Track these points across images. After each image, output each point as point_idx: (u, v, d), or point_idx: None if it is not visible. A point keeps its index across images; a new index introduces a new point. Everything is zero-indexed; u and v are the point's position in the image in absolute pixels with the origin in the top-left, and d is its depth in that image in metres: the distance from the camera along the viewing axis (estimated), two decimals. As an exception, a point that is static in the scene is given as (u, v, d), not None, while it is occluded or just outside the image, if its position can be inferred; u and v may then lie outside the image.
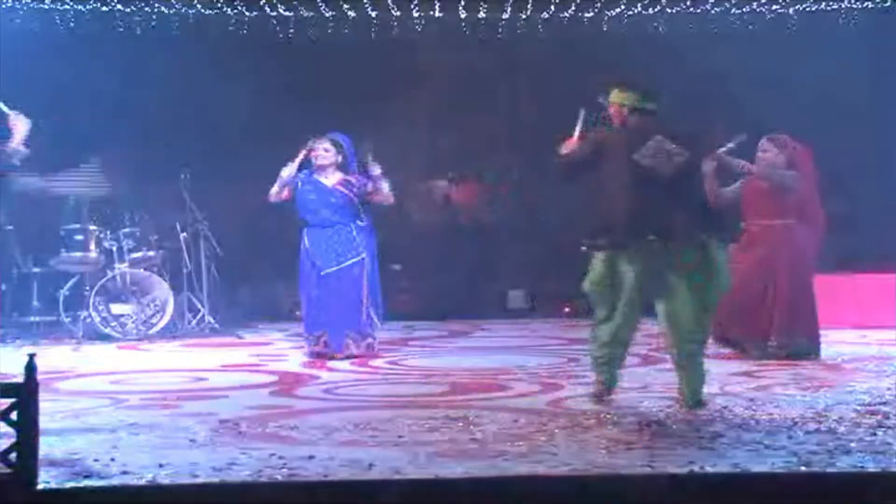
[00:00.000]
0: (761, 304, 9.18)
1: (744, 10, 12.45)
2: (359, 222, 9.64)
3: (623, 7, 12.26)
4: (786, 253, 9.18)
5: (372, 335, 9.76)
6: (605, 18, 12.59)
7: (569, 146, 7.11)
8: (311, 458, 5.43)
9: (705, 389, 7.01)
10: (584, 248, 6.96)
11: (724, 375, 8.23)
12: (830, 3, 12.36)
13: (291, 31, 12.62)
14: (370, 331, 9.72)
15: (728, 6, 12.31)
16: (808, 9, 12.41)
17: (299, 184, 9.63)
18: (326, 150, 9.65)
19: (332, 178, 9.65)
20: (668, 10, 12.38)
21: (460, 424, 6.35)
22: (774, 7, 12.39)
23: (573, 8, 12.25)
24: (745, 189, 9.33)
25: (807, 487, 4.93)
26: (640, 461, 5.32)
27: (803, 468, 5.13)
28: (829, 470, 5.11)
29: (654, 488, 4.88)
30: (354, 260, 9.57)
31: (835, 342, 10.12)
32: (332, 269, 9.53)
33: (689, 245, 6.72)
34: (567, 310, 12.92)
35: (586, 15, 12.48)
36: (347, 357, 9.45)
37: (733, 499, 4.76)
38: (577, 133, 7.15)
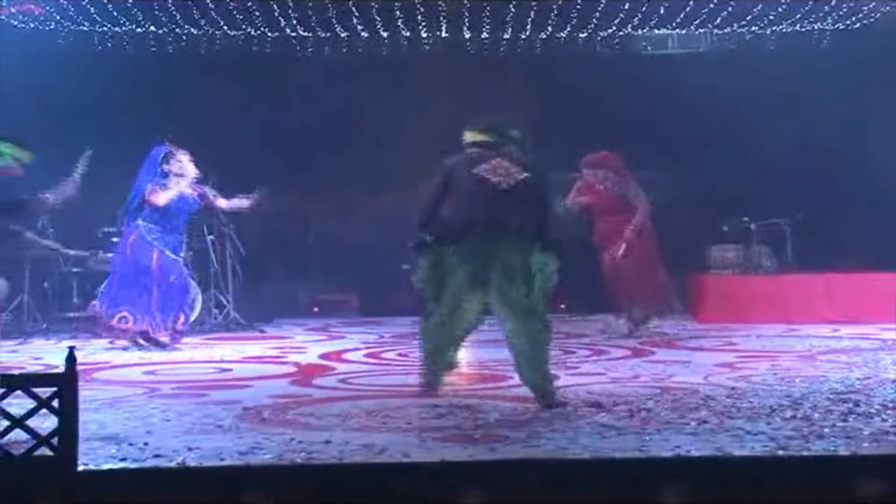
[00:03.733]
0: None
1: (725, 30, 12.43)
2: None
3: (614, 28, 12.25)
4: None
5: None
6: (598, 39, 12.59)
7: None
8: (327, 442, 5.43)
9: (690, 379, 7.00)
10: (409, 245, 7.16)
11: (707, 366, 8.24)
12: (819, 25, 12.32)
13: (310, 49, 12.63)
14: None
15: (710, 28, 12.28)
16: (784, 31, 12.38)
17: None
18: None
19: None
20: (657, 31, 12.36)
21: (465, 412, 6.35)
22: (753, 28, 12.36)
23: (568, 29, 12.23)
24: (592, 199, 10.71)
25: (784, 469, 4.93)
26: (630, 446, 5.32)
27: (780, 452, 5.13)
28: (805, 453, 5.11)
29: (643, 471, 4.88)
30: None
31: (809, 335, 10.13)
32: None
33: (515, 248, 6.80)
34: (562, 306, 12.91)
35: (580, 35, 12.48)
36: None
37: (717, 481, 4.75)
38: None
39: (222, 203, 10.42)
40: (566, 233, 8.46)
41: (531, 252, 6.85)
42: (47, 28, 11.65)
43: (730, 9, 11.77)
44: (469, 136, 7.26)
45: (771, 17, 12.01)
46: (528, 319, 6.81)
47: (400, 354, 9.50)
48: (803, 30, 12.42)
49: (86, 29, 11.80)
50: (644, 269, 10.49)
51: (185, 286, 10.18)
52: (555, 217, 7.32)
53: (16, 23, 11.43)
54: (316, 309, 13.55)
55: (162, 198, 9.89)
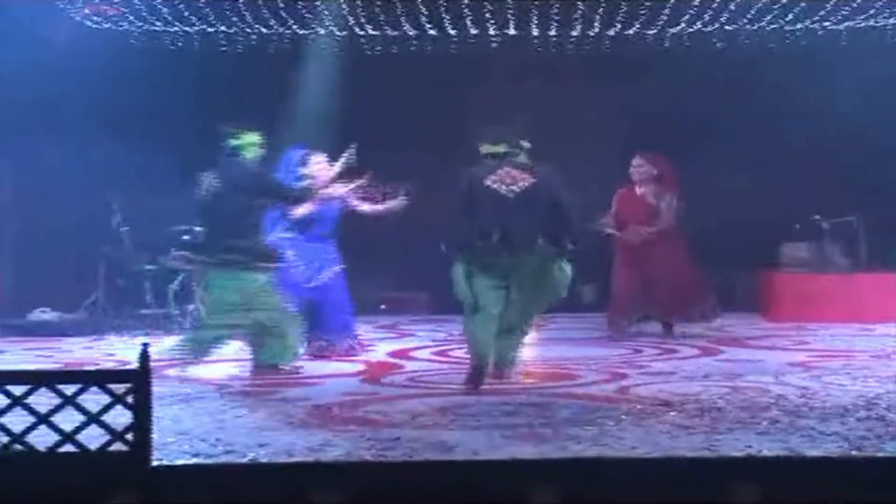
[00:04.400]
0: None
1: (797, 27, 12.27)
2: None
3: (684, 24, 12.15)
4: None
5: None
6: (668, 35, 12.49)
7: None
8: (397, 440, 5.45)
9: (761, 378, 6.94)
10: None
11: (780, 365, 8.16)
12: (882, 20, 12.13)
13: (378, 49, 12.65)
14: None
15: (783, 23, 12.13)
16: (858, 26, 12.19)
17: None
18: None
19: None
20: (727, 28, 12.24)
21: (535, 410, 6.34)
22: (826, 24, 12.20)
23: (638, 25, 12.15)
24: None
25: (858, 470, 4.86)
26: (700, 445, 5.29)
27: (854, 452, 5.07)
28: (879, 454, 5.05)
29: (713, 470, 4.84)
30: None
31: (883, 335, 9.99)
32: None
33: (530, 253, 7.45)
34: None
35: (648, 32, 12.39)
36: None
37: (788, 481, 4.70)
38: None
39: (366, 208, 9.48)
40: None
41: (545, 256, 7.50)
42: (120, 28, 11.80)
43: (802, 5, 11.63)
44: (483, 149, 7.85)
45: (844, 13, 11.83)
46: (527, 314, 7.73)
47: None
48: (877, 25, 12.22)
49: (158, 28, 11.93)
50: (671, 275, 10.38)
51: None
52: (570, 217, 7.68)
53: (90, 23, 11.60)
54: (384, 307, 13.59)
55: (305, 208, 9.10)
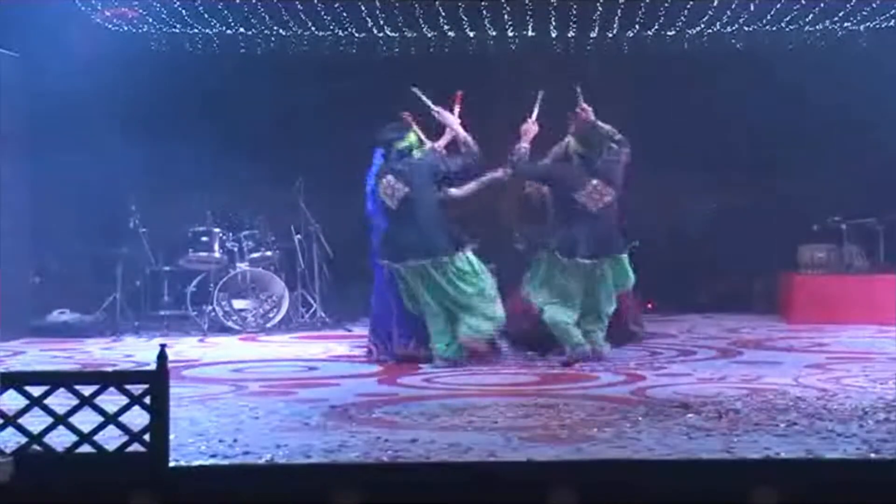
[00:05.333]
0: None
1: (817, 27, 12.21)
2: None
3: (703, 26, 12.10)
4: None
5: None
6: (686, 36, 12.44)
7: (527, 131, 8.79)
8: (413, 441, 5.46)
9: (779, 380, 7.00)
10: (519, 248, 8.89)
11: (798, 367, 8.13)
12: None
13: (397, 50, 12.66)
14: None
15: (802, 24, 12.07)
16: (878, 27, 12.13)
17: None
18: None
19: None
20: (746, 28, 12.19)
21: (551, 411, 6.34)
22: (846, 24, 12.13)
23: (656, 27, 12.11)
24: None
25: (877, 473, 4.84)
26: (718, 447, 5.27)
27: (873, 455, 5.04)
28: (899, 457, 5.03)
29: (731, 472, 4.83)
30: None
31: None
32: None
33: (611, 263, 8.64)
34: (649, 306, 12.80)
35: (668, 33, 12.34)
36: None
37: (807, 483, 4.69)
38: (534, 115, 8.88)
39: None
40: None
41: (621, 263, 8.67)
42: (140, 31, 11.83)
43: (822, 5, 11.57)
44: (573, 145, 8.71)
45: (864, 13, 11.77)
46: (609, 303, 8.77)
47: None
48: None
49: (177, 31, 11.95)
50: None
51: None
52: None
53: (109, 26, 11.63)
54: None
55: None
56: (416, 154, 8.65)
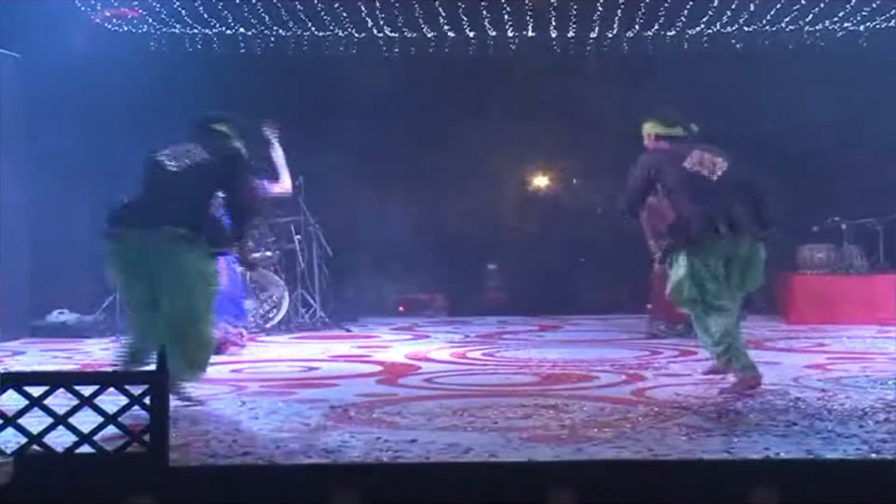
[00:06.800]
0: None
1: (816, 27, 12.20)
2: None
3: (703, 26, 12.10)
4: None
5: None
6: (686, 36, 12.45)
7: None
8: (413, 441, 5.45)
9: (779, 380, 7.03)
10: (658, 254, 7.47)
11: (798, 368, 8.13)
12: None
13: (396, 50, 12.66)
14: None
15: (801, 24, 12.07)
16: (879, 27, 12.12)
17: None
18: None
19: None
20: (745, 29, 12.19)
21: (551, 412, 6.33)
22: (846, 25, 12.13)
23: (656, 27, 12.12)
24: None
25: (877, 474, 4.83)
26: (718, 447, 5.27)
27: (874, 455, 5.04)
28: (899, 457, 5.03)
29: (731, 473, 4.82)
30: None
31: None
32: None
33: (747, 242, 7.11)
34: (650, 307, 12.78)
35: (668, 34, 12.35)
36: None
37: (807, 483, 4.68)
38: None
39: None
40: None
41: (752, 242, 7.13)
42: (140, 31, 11.83)
43: (822, 5, 11.57)
44: (654, 128, 7.47)
45: (864, 13, 11.77)
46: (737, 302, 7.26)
47: (485, 354, 9.50)
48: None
49: (177, 31, 11.96)
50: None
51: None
52: (767, 200, 7.33)
53: (110, 26, 11.63)
54: (402, 308, 13.60)
55: None
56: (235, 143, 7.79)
